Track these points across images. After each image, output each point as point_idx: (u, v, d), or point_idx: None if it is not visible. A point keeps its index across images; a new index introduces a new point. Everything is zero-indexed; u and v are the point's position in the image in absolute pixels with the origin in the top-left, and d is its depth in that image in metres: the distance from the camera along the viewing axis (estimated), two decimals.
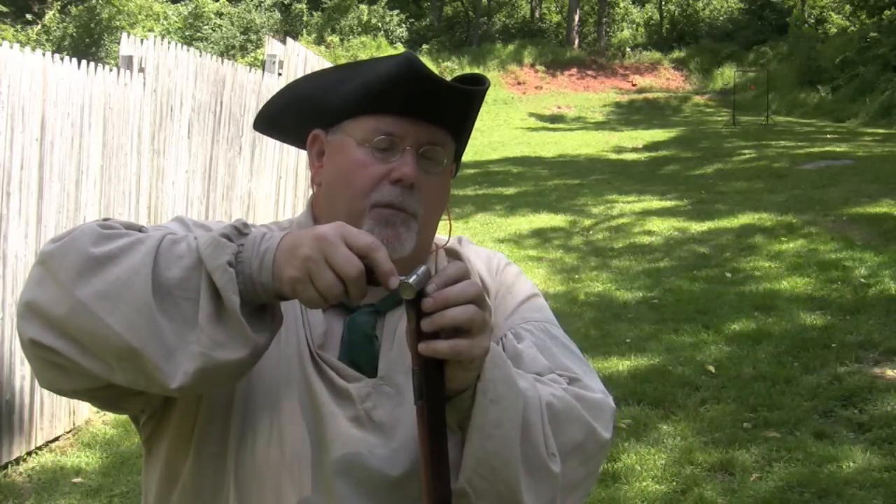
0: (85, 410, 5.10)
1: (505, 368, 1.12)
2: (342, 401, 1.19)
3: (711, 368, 5.42)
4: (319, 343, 1.22)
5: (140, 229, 1.12)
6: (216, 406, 1.19)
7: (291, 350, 1.21)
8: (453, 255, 1.36)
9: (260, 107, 1.60)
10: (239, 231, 1.07)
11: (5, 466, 4.46)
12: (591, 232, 9.64)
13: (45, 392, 4.70)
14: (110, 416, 5.21)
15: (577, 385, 1.24)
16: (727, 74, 24.31)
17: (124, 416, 5.10)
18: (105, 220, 1.14)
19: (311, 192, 1.34)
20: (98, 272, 1.04)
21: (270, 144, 7.72)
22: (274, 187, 7.95)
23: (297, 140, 1.36)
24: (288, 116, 1.33)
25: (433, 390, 1.04)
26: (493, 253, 1.42)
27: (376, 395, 1.20)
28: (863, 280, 6.86)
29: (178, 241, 1.07)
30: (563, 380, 1.24)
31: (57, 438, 4.85)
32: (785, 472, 4.11)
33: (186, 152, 6.23)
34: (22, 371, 4.51)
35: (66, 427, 4.92)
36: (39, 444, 4.69)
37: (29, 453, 4.62)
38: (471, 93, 1.24)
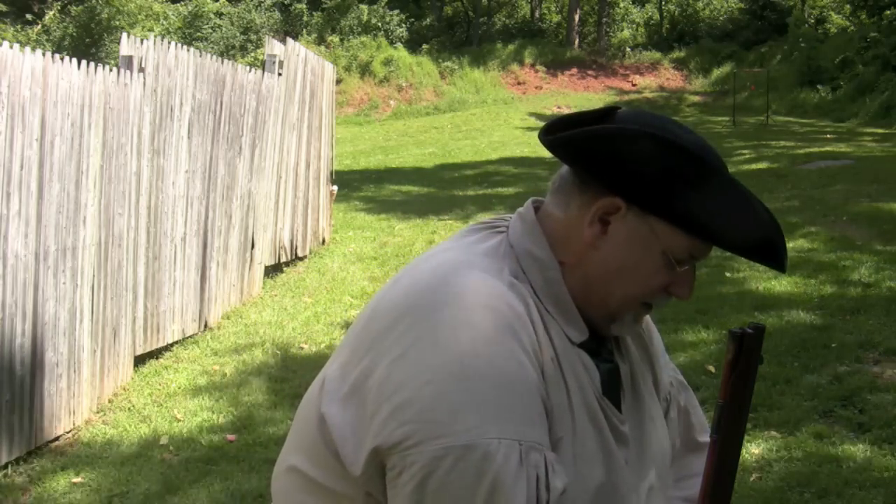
0: (85, 410, 5.10)
1: None
2: (622, 446, 1.19)
3: (711, 368, 5.41)
4: (600, 390, 1.20)
5: None
6: None
7: (580, 399, 1.16)
8: None
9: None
10: None
11: (5, 466, 4.45)
12: None
13: (45, 392, 4.70)
14: (110, 415, 5.21)
15: None
16: (727, 74, 24.30)
17: (124, 416, 5.04)
18: None
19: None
20: None
21: (270, 144, 7.71)
22: (274, 187, 7.94)
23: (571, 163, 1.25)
24: (599, 165, 1.20)
25: (730, 430, 1.05)
26: None
27: (630, 439, 1.22)
28: (863, 280, 6.86)
29: None
30: None
31: (57, 438, 4.84)
32: (785, 472, 4.11)
33: (186, 152, 6.24)
34: (22, 371, 4.51)
35: (66, 427, 4.91)
36: (39, 444, 4.69)
37: (29, 453, 4.62)
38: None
